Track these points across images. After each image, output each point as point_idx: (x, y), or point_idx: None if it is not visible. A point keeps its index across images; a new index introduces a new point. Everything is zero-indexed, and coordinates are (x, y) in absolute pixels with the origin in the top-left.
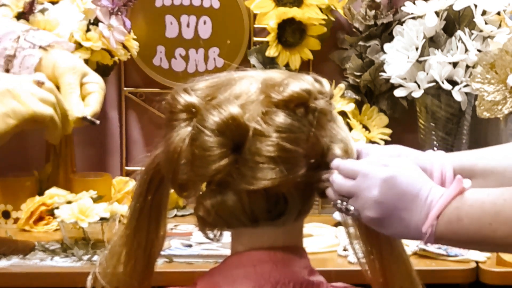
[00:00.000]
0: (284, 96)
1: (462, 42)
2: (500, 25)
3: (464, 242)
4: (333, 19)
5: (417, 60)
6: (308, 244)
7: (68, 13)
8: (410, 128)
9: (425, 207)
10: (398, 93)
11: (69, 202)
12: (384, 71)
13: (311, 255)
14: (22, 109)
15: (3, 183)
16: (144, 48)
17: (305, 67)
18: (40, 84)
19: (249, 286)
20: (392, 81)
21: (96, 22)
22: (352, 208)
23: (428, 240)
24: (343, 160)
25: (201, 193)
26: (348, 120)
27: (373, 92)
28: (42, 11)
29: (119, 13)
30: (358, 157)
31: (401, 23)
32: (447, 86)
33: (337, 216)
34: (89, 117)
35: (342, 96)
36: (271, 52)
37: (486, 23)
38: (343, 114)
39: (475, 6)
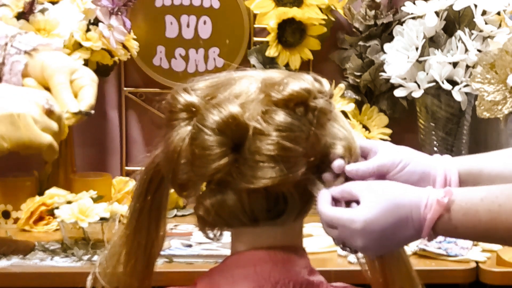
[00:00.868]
0: (284, 95)
1: (462, 42)
2: (500, 25)
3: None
4: (333, 19)
5: (417, 60)
6: (308, 244)
7: (68, 13)
8: (410, 128)
9: (417, 221)
10: (398, 93)
11: (69, 202)
12: (384, 71)
13: (311, 255)
14: (19, 135)
15: (3, 183)
16: (144, 48)
17: (305, 67)
18: (49, 112)
19: (249, 286)
20: (392, 81)
21: (96, 22)
22: (351, 250)
23: (429, 240)
24: (323, 207)
25: (201, 192)
26: (348, 120)
27: (373, 92)
28: (42, 11)
29: (119, 13)
30: (366, 156)
31: (401, 23)
32: (447, 86)
33: None
34: (84, 110)
35: (342, 96)
36: (271, 52)
37: (486, 23)
38: (343, 114)
39: (475, 6)
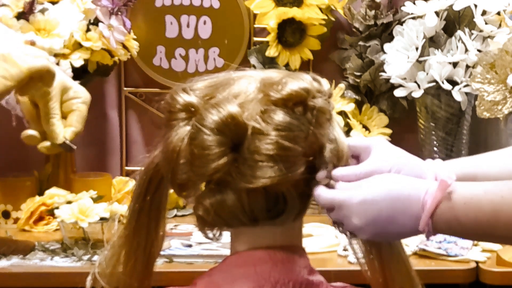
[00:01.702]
0: (283, 95)
1: (462, 42)
2: (500, 25)
3: (466, 236)
4: (333, 19)
5: (417, 60)
6: (308, 244)
7: (68, 13)
8: (410, 128)
9: (415, 208)
10: (398, 93)
11: (69, 202)
12: (384, 71)
13: (311, 255)
14: (17, 70)
15: (3, 183)
16: (144, 48)
17: (305, 67)
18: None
19: (249, 286)
20: (392, 81)
21: (96, 22)
22: (348, 233)
23: (428, 235)
24: (320, 190)
25: (200, 192)
26: (348, 120)
27: (373, 92)
28: (42, 11)
29: (119, 13)
30: (358, 156)
31: (401, 23)
32: (447, 86)
33: None
34: (68, 142)
35: (342, 96)
36: (271, 52)
37: (486, 23)
38: (343, 114)
39: (475, 6)
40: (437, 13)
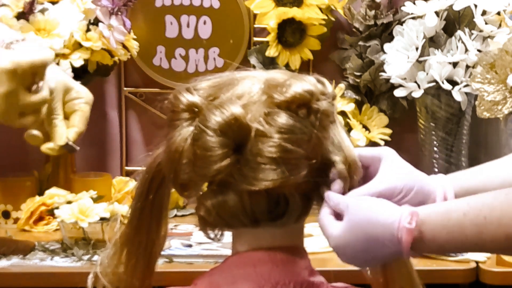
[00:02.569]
0: (287, 97)
1: (462, 42)
2: (500, 25)
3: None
4: (333, 19)
5: (417, 60)
6: (308, 244)
7: (68, 13)
8: (410, 128)
9: (394, 243)
10: (398, 93)
11: (69, 202)
12: (384, 71)
13: (311, 255)
14: (24, 60)
15: (3, 183)
16: (144, 48)
17: (305, 67)
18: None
19: (249, 286)
20: (392, 81)
21: (96, 22)
22: None
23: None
24: (321, 212)
25: (202, 193)
26: (348, 120)
27: (373, 92)
28: (42, 11)
29: (119, 13)
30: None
31: (401, 23)
32: (447, 86)
33: None
34: (70, 143)
35: (342, 96)
36: (271, 52)
37: (486, 23)
38: (343, 114)
39: (475, 6)
40: (437, 13)
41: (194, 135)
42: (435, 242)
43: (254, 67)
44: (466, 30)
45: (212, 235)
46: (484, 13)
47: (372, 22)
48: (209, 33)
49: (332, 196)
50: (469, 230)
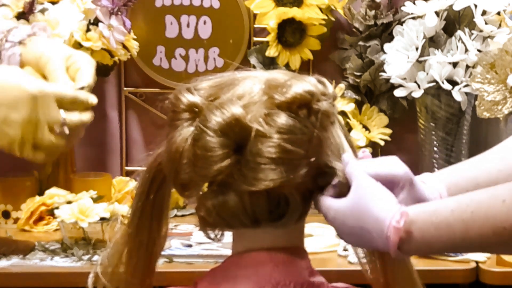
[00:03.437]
0: (287, 98)
1: (462, 42)
2: (500, 25)
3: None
4: (333, 19)
5: (417, 60)
6: (308, 244)
7: (68, 13)
8: (410, 128)
9: (383, 240)
10: (398, 93)
11: (69, 202)
12: (384, 71)
13: (311, 255)
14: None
15: (3, 183)
16: (144, 48)
17: (305, 67)
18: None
19: (250, 287)
20: (392, 81)
21: (96, 22)
22: None
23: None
24: (322, 196)
25: (202, 193)
26: (348, 120)
27: (373, 92)
28: (42, 11)
29: (119, 13)
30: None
31: (401, 23)
32: (447, 86)
33: None
34: (85, 85)
35: (342, 96)
36: (271, 52)
37: (486, 23)
38: (343, 114)
39: (475, 6)
40: (437, 13)
41: (195, 135)
42: (424, 240)
43: (254, 67)
44: (466, 30)
45: (212, 235)
46: (484, 13)
47: (372, 22)
48: (209, 33)
49: (350, 160)
50: (457, 226)
